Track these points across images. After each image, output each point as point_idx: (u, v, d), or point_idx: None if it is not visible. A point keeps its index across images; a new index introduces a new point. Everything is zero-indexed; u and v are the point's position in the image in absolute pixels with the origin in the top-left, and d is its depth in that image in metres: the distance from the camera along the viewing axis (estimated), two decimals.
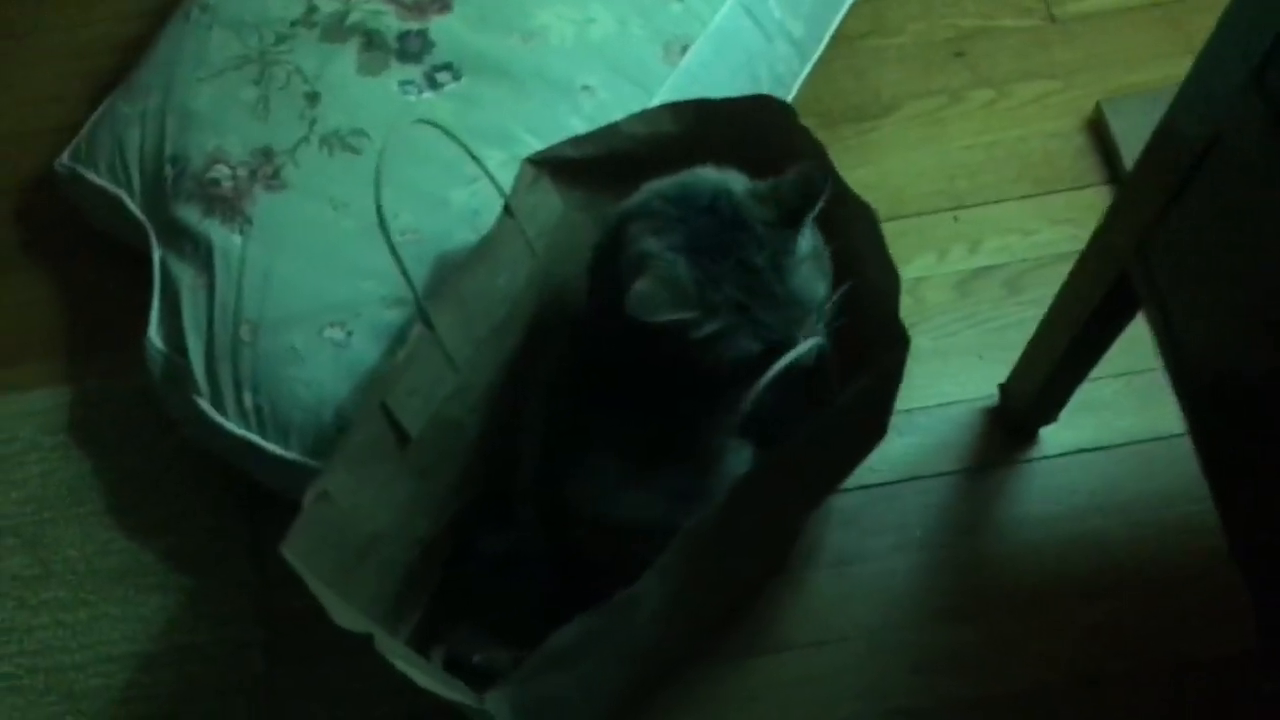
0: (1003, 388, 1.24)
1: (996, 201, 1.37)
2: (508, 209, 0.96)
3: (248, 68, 1.18)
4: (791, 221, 0.84)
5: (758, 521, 0.94)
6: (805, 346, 0.84)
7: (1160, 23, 1.43)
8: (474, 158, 0.91)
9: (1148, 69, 1.41)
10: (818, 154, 0.93)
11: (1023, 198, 1.37)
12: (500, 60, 1.15)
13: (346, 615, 0.81)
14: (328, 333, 1.06)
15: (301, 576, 0.81)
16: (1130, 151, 1.33)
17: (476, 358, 0.97)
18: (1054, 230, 1.35)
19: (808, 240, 0.86)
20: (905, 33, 1.46)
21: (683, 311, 0.82)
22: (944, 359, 1.28)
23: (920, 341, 1.23)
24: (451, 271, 0.97)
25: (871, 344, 0.88)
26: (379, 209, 0.88)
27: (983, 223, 1.35)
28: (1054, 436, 1.24)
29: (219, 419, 1.08)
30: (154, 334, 1.13)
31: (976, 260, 1.34)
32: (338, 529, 0.88)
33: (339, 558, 0.88)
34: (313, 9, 1.20)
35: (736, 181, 0.88)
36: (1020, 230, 1.35)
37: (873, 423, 0.95)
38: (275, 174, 1.13)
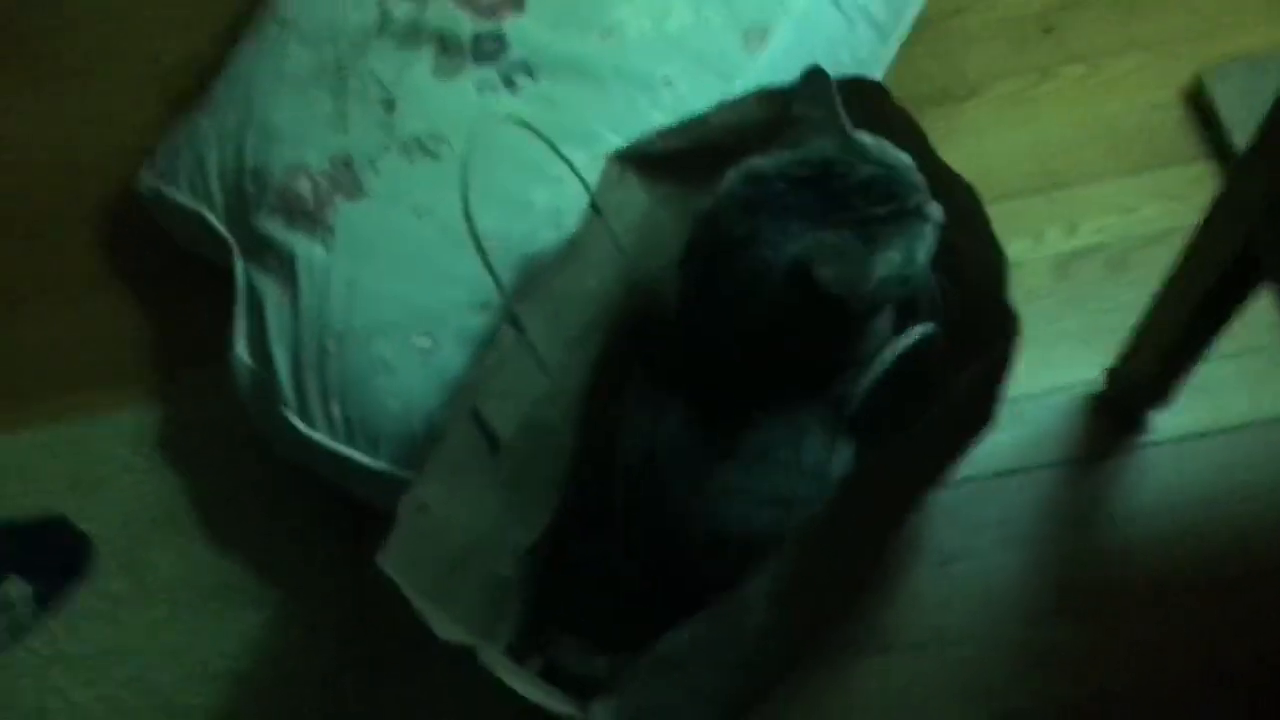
0: (1110, 372, 1.19)
1: (1093, 180, 1.31)
2: (594, 207, 0.94)
3: (324, 78, 1.17)
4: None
5: (863, 520, 0.90)
6: (916, 333, 0.80)
7: None
8: (557, 151, 0.89)
9: (1247, 36, 1.35)
10: (915, 135, 0.89)
11: (1121, 175, 1.31)
12: (578, 58, 1.13)
13: (448, 627, 0.79)
14: (415, 341, 1.04)
15: (400, 588, 0.80)
16: (1235, 121, 1.27)
17: (568, 360, 0.95)
18: (1156, 207, 1.29)
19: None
20: (989, 11, 1.41)
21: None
22: (1045, 345, 1.23)
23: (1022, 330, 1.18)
24: (539, 272, 0.95)
25: (978, 331, 0.84)
26: (465, 211, 0.86)
27: (1080, 203, 1.30)
28: (1165, 422, 1.18)
29: (308, 431, 1.07)
30: (240, 348, 1.13)
31: (1075, 241, 1.28)
32: (434, 540, 0.86)
33: (436, 569, 0.86)
34: (387, 16, 1.19)
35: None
36: (1120, 209, 1.29)
37: (981, 413, 0.91)
38: (356, 183, 1.12)
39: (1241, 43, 1.34)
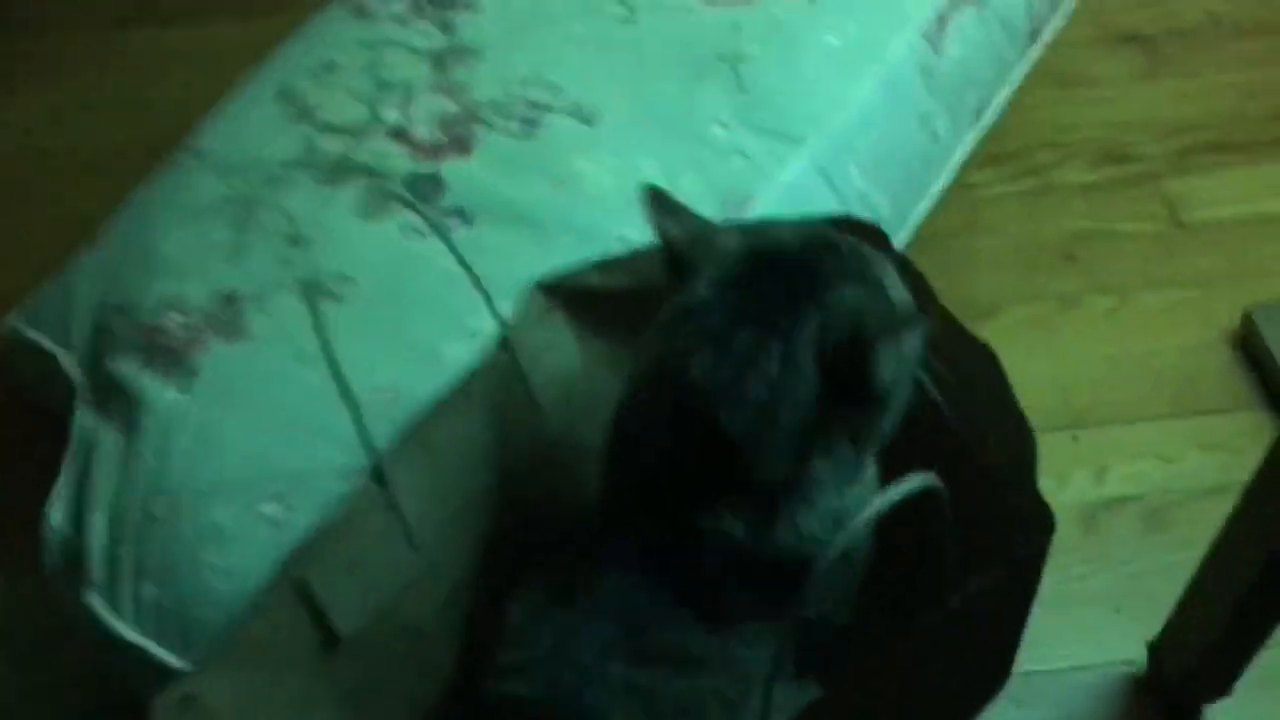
0: (1152, 649, 0.94)
1: (1126, 422, 1.11)
2: (505, 343, 0.74)
3: (228, 209, 1.00)
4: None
5: None
6: (912, 484, 0.57)
7: None
8: (460, 259, 0.70)
9: None
10: (919, 284, 0.70)
11: (1158, 418, 1.11)
12: (523, 205, 0.96)
13: None
14: (265, 507, 0.81)
15: None
16: None
17: (448, 536, 0.71)
18: (1201, 458, 1.08)
19: None
20: (1005, 233, 1.26)
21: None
22: (1070, 610, 0.99)
23: (1040, 587, 0.95)
24: (423, 417, 0.73)
25: (996, 526, 0.61)
26: (326, 348, 0.66)
27: (1109, 446, 1.10)
28: (1226, 717, 0.92)
29: (108, 619, 0.82)
30: (55, 510, 0.89)
31: (1105, 489, 1.07)
32: None
33: None
34: (312, 149, 1.03)
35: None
36: (1158, 456, 1.09)
37: (994, 645, 0.66)
38: (237, 323, 0.92)
39: None
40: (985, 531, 0.61)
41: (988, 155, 1.30)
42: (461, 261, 0.74)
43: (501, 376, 0.74)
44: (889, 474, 0.64)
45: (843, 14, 1.08)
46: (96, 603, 0.83)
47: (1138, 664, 0.96)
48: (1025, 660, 0.96)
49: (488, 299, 0.86)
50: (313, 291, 0.93)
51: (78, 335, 1.00)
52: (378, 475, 0.68)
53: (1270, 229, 1.24)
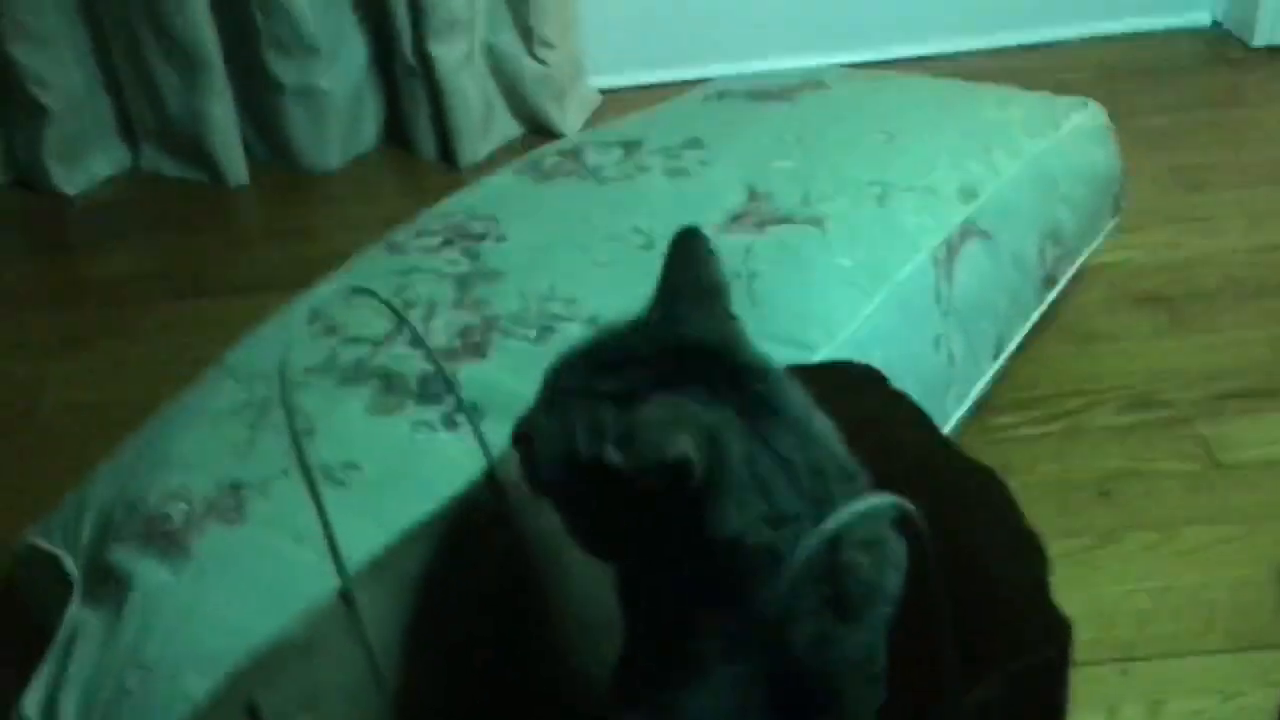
0: None
1: (1177, 655, 1.03)
2: (491, 477, 0.71)
3: (246, 412, 1.01)
4: None
5: None
6: (873, 502, 0.52)
7: None
8: (413, 331, 0.69)
9: None
10: (921, 421, 0.68)
11: (1211, 653, 1.03)
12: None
13: None
14: None
15: None
16: None
17: (415, 670, 0.66)
18: (1265, 694, 0.99)
19: None
20: (1036, 471, 1.23)
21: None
22: None
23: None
24: (396, 545, 0.70)
25: (1004, 640, 0.55)
26: (301, 457, 0.65)
27: (1163, 680, 1.01)
28: None
29: None
30: (29, 700, 0.85)
31: None
32: None
33: None
34: (333, 357, 1.05)
35: None
36: (1218, 691, 1.00)
37: None
38: (239, 508, 0.91)
39: None
40: (995, 641, 0.55)
41: (1015, 401, 1.29)
42: (467, 413, 0.72)
43: (484, 513, 0.71)
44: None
45: (853, 240, 1.11)
46: None
47: None
48: None
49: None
50: (316, 478, 0.92)
51: (85, 537, 0.99)
52: (346, 596, 0.64)
53: None
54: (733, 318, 0.67)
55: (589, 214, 1.20)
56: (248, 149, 1.87)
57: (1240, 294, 1.45)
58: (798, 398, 0.64)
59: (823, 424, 0.64)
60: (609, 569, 0.67)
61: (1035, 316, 1.26)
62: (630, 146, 1.32)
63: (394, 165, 1.91)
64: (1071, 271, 1.33)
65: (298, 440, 0.64)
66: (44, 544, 1.02)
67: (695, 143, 1.29)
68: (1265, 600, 1.07)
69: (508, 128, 1.91)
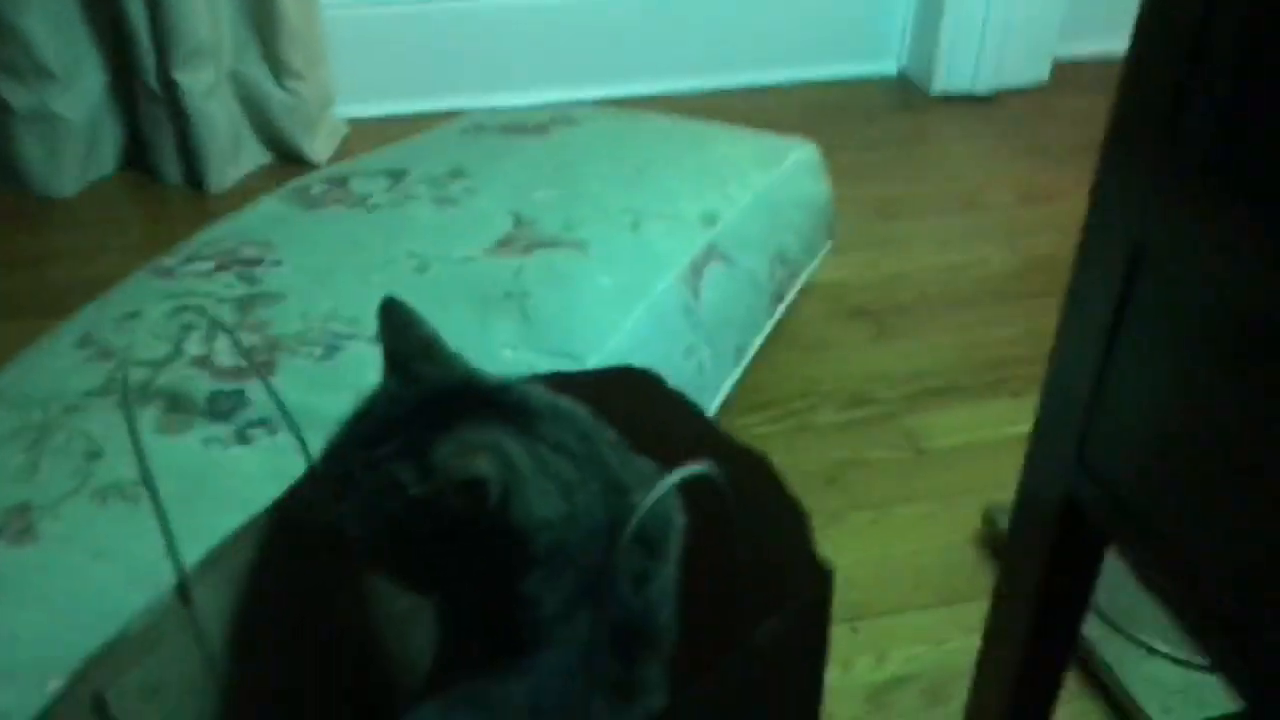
0: None
1: (897, 613, 1.20)
2: (312, 472, 0.77)
3: (23, 436, 1.01)
4: None
5: None
6: (684, 472, 0.63)
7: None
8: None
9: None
10: (695, 415, 0.79)
11: (924, 608, 1.21)
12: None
13: None
14: (53, 684, 0.78)
15: None
16: None
17: (249, 665, 0.71)
18: (966, 639, 1.17)
19: None
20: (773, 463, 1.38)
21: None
22: None
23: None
24: (225, 543, 0.75)
25: (777, 583, 0.67)
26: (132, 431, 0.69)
27: (886, 633, 1.17)
28: None
29: None
30: None
31: (887, 670, 1.14)
32: None
33: None
34: (113, 381, 1.06)
35: None
36: (930, 640, 1.17)
37: (797, 697, 0.70)
38: (28, 529, 0.91)
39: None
40: (768, 584, 0.67)
41: (751, 403, 1.45)
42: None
43: (303, 508, 0.77)
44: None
45: (611, 261, 1.23)
46: None
47: None
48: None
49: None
50: (108, 493, 0.94)
51: None
52: (182, 593, 0.68)
53: (994, 451, 1.40)
54: (457, 356, 0.75)
55: (362, 240, 1.26)
56: None
57: (933, 307, 1.67)
58: (545, 395, 0.73)
59: (578, 408, 0.74)
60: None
61: (768, 328, 1.42)
62: (395, 175, 1.39)
63: (136, 191, 1.88)
64: (796, 289, 1.50)
65: (137, 438, 0.68)
66: None
67: (459, 172, 1.38)
68: (965, 561, 1.26)
69: (257, 155, 1.92)
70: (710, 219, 1.34)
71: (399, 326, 0.74)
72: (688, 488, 0.66)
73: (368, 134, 2.00)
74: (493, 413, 0.71)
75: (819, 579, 0.68)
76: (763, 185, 1.42)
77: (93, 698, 0.63)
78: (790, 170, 1.47)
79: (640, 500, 0.71)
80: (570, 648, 0.67)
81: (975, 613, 1.21)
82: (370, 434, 0.71)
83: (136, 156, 1.89)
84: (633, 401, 0.81)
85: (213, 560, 0.72)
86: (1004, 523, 1.26)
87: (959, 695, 1.11)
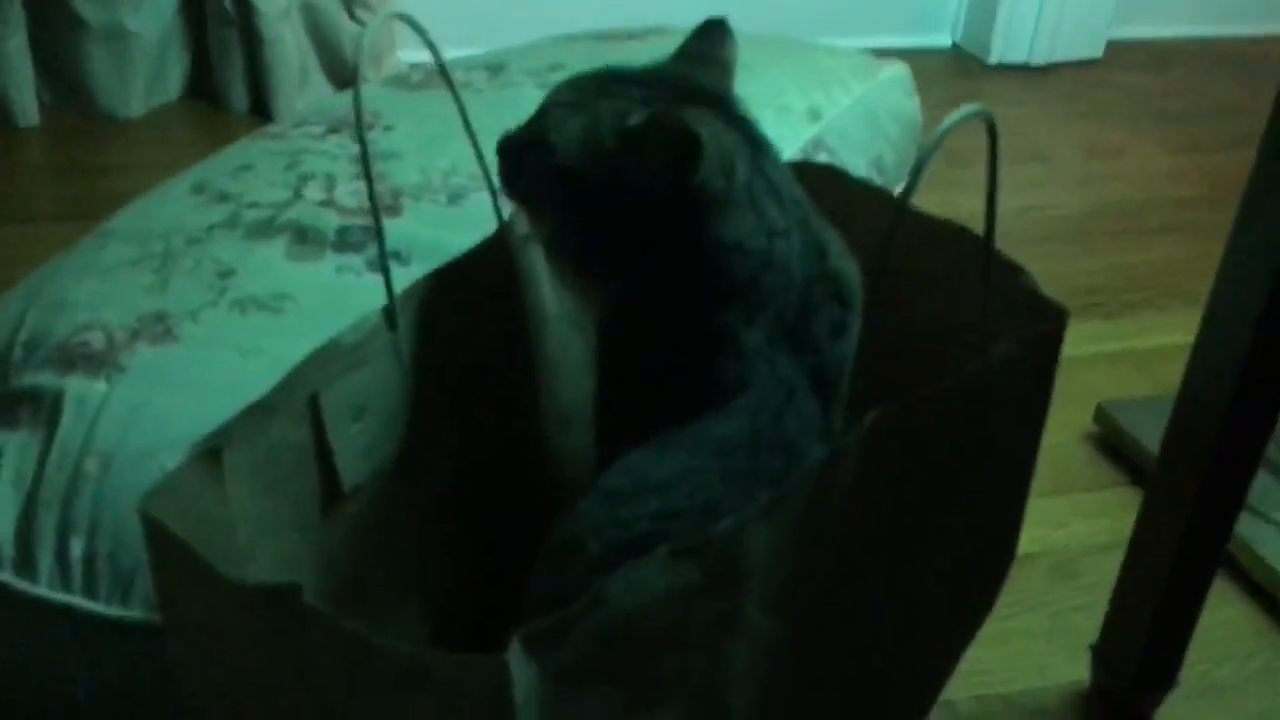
0: (1096, 650, 0.96)
1: None
2: (505, 227, 0.75)
3: (147, 262, 0.98)
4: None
5: (876, 560, 0.61)
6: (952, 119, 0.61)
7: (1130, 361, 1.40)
8: (457, 99, 0.72)
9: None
10: (890, 201, 0.78)
11: (1041, 495, 1.18)
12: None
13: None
14: None
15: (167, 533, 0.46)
16: (1147, 441, 1.19)
17: (433, 419, 0.68)
18: (1089, 524, 1.16)
19: None
20: None
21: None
22: (1007, 642, 1.01)
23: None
24: (419, 287, 0.72)
25: (1009, 315, 0.65)
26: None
27: None
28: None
29: (23, 586, 0.71)
30: None
31: None
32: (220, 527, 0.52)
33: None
34: (235, 215, 1.03)
35: None
36: (1051, 524, 1.15)
37: (1024, 426, 0.68)
38: (167, 332, 0.88)
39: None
40: (1006, 316, 0.65)
41: None
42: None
43: (503, 256, 0.74)
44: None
45: None
46: (7, 576, 0.72)
47: (1081, 683, 0.97)
48: (975, 685, 0.96)
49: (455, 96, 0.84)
50: (247, 304, 0.91)
51: None
52: (390, 318, 0.66)
53: (1091, 365, 1.39)
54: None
55: (471, 114, 1.24)
56: (38, 90, 1.77)
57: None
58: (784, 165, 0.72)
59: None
60: (593, 311, 0.71)
61: None
62: (494, 69, 1.38)
63: (201, 117, 1.86)
64: None
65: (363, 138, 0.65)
66: None
67: (558, 66, 1.36)
68: (1078, 457, 1.24)
69: (322, 89, 1.90)
70: (815, 114, 1.32)
71: (712, 38, 0.75)
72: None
73: None
74: (735, 127, 0.69)
75: (1054, 311, 0.66)
76: (861, 91, 1.41)
77: (309, 397, 0.60)
78: (885, 82, 1.46)
79: (839, 265, 0.70)
80: (773, 389, 0.65)
81: (1094, 502, 1.20)
82: (614, 80, 0.70)
83: (201, 83, 1.87)
84: (822, 190, 0.79)
85: (411, 293, 0.70)
86: (1121, 418, 1.24)
87: (1087, 572, 1.09)
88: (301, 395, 0.60)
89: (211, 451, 0.54)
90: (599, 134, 0.65)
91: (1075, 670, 0.97)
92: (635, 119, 0.64)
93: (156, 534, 0.47)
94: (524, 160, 0.69)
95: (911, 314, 0.72)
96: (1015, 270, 0.69)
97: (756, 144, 0.70)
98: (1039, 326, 0.64)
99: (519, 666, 0.41)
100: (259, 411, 0.58)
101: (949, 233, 0.74)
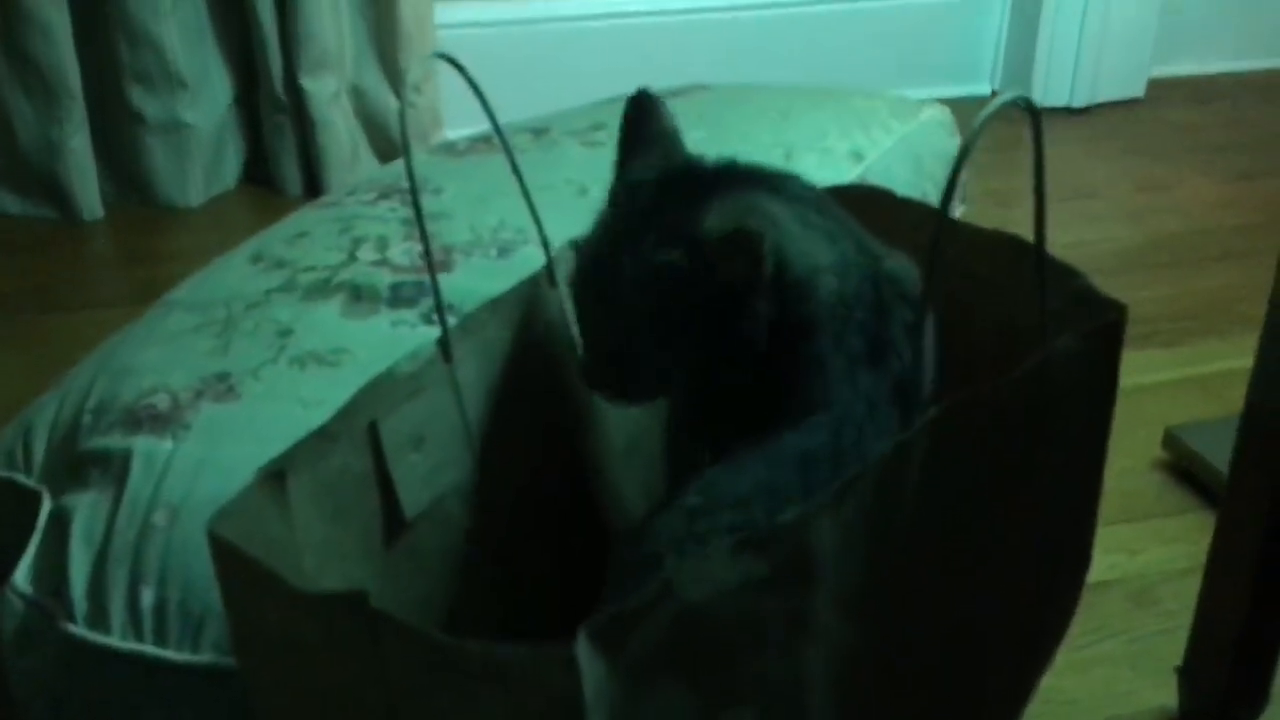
0: (1182, 672, 0.93)
1: None
2: (549, 273, 0.76)
3: (208, 329, 1.00)
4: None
5: (946, 563, 0.60)
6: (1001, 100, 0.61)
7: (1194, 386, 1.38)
8: (505, 143, 0.74)
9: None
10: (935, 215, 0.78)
11: (1113, 523, 1.16)
12: None
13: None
14: None
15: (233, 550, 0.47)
16: (1219, 463, 1.16)
17: (499, 431, 0.68)
18: (1165, 549, 1.13)
19: None
20: None
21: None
22: (1088, 671, 0.98)
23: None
24: (477, 312, 0.73)
25: (1068, 313, 0.65)
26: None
27: None
28: None
29: (96, 638, 0.72)
30: (20, 578, 0.80)
31: (1090, 575, 1.09)
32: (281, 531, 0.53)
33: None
34: (292, 280, 1.06)
35: None
36: (1126, 551, 1.13)
37: (1077, 481, 0.67)
38: (230, 390, 0.90)
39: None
40: (1067, 311, 0.64)
41: None
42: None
43: (542, 299, 0.75)
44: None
45: None
46: (81, 630, 0.73)
47: (1169, 708, 0.94)
48: (1061, 715, 0.94)
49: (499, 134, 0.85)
50: (306, 360, 0.93)
51: (39, 453, 0.94)
52: (444, 346, 0.66)
53: (1153, 393, 1.37)
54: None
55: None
56: (100, 185, 1.83)
57: None
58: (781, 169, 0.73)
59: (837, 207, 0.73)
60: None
61: None
62: (538, 132, 1.40)
63: (258, 201, 1.91)
64: None
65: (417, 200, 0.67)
66: None
67: (601, 125, 1.39)
68: (1149, 484, 1.22)
69: (371, 166, 1.95)
70: (858, 156, 1.33)
71: (645, 112, 0.74)
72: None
73: None
74: (741, 183, 0.70)
75: (1114, 305, 0.66)
76: (903, 132, 1.42)
77: (369, 424, 0.60)
78: (927, 123, 1.47)
79: (891, 264, 0.70)
80: (854, 403, 0.65)
81: (1169, 527, 1.18)
82: (625, 226, 0.70)
83: (256, 169, 1.92)
84: (862, 209, 0.79)
85: (466, 327, 0.71)
86: (1191, 441, 1.22)
87: (1166, 598, 1.07)
88: (361, 423, 0.61)
89: (276, 474, 0.55)
90: (654, 292, 0.66)
91: (1161, 695, 0.95)
92: (682, 260, 0.65)
93: (225, 553, 0.47)
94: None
95: (972, 319, 0.72)
96: (1070, 273, 0.69)
97: (766, 178, 0.72)
98: (1098, 320, 0.64)
99: (587, 659, 0.40)
100: (320, 438, 0.59)
101: (1000, 241, 0.74)
